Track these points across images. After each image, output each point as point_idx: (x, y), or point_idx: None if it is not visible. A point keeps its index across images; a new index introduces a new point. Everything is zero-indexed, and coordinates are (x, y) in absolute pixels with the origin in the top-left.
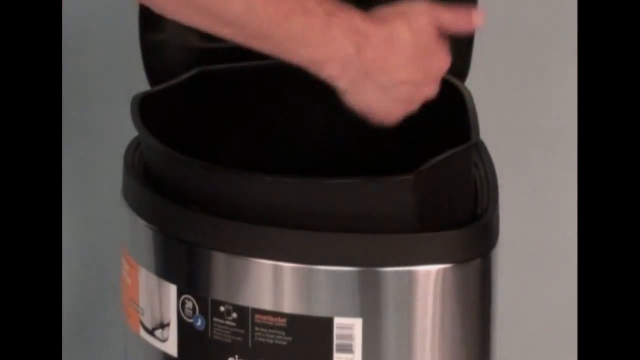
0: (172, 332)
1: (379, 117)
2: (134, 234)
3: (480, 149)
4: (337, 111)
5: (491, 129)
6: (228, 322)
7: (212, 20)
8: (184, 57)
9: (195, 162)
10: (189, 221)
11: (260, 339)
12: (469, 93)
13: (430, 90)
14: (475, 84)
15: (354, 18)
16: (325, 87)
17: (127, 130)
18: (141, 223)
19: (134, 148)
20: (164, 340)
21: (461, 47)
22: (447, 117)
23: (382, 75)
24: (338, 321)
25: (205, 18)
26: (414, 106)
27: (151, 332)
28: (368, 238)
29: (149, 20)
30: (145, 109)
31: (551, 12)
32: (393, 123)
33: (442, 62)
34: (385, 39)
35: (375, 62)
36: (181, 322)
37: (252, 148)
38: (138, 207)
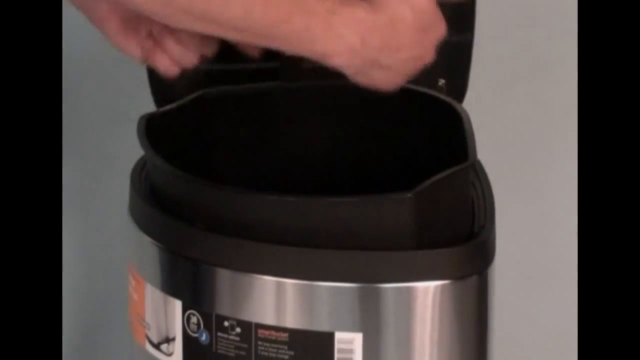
0: (177, 346)
1: (383, 88)
2: (140, 250)
3: (477, 168)
4: (336, 131)
5: (488, 149)
6: (232, 337)
7: (215, 26)
8: (188, 79)
9: (200, 181)
10: (193, 238)
11: (263, 353)
12: (466, 114)
13: (429, 58)
14: (472, 105)
15: (356, 11)
16: (324, 108)
17: (133, 150)
18: (147, 240)
19: (140, 167)
20: (169, 354)
21: (458, 70)
22: (445, 137)
23: (387, 57)
24: (338, 335)
25: (207, 24)
26: (414, 73)
27: (157, 346)
28: (368, 255)
29: None
30: (151, 129)
31: (547, 35)
32: (394, 89)
33: (440, 31)
34: (387, 24)
35: (380, 48)
36: (186, 337)
37: (253, 167)
38: (144, 224)
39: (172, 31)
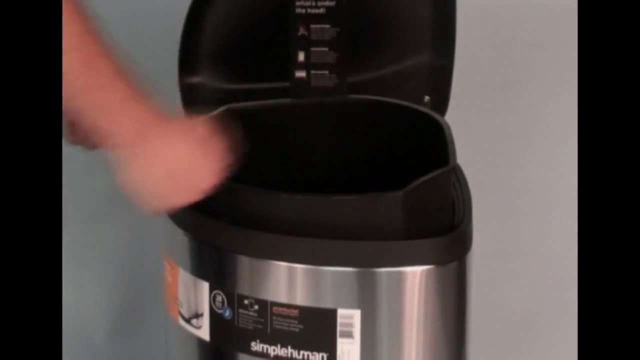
0: (205, 321)
1: (141, 199)
2: (173, 240)
3: (457, 171)
4: (338, 140)
5: (466, 154)
6: (251, 313)
7: None
8: (215, 96)
9: (225, 183)
10: (219, 230)
11: (277, 326)
12: (448, 125)
13: (179, 199)
14: (453, 117)
15: (147, 114)
16: (328, 121)
17: None
18: (180, 232)
19: None
20: (198, 328)
21: (441, 88)
22: (430, 145)
23: (145, 162)
24: (341, 312)
25: None
26: (167, 203)
27: (188, 321)
28: (365, 244)
29: (186, 66)
30: None
31: (518, 56)
32: (152, 211)
33: (202, 181)
34: (160, 141)
35: (144, 152)
36: (212, 313)
37: (268, 170)
38: (177, 219)
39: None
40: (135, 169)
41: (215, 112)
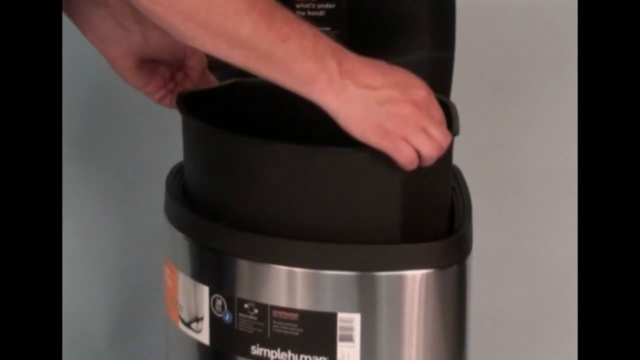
0: (205, 325)
1: (369, 134)
2: (173, 244)
3: (456, 174)
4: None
5: (466, 156)
6: (251, 317)
7: (225, 44)
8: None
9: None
10: (219, 234)
11: (277, 330)
12: (454, 106)
13: (408, 109)
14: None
15: (340, 50)
16: None
17: (168, 159)
18: (180, 235)
19: (174, 173)
20: (198, 331)
21: (441, 84)
22: None
23: (359, 82)
24: (341, 316)
25: (219, 42)
26: (400, 128)
27: (188, 325)
28: (365, 248)
29: None
30: (188, 106)
31: (520, 53)
32: (387, 146)
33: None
34: (363, 64)
35: (352, 72)
36: (212, 317)
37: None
38: (177, 222)
39: (194, 82)
40: (347, 102)
41: (223, 84)
